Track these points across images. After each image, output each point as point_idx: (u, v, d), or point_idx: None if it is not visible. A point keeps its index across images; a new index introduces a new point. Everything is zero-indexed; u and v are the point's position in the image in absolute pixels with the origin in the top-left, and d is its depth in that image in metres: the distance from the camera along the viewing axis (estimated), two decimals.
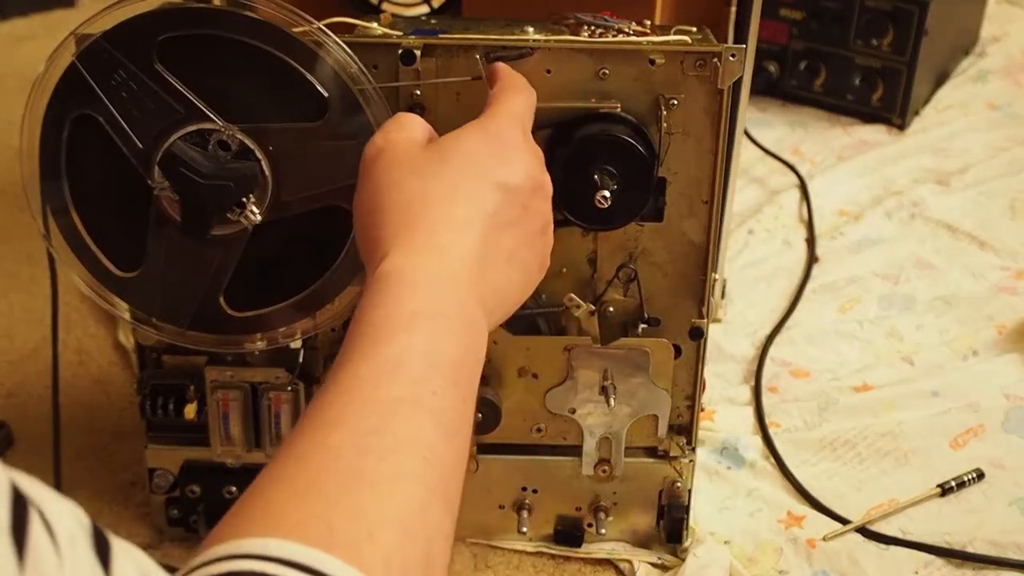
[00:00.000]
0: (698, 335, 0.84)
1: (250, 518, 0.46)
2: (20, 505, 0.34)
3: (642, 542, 0.92)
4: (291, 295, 0.76)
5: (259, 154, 0.71)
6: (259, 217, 0.72)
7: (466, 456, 0.54)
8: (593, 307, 0.83)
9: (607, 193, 0.74)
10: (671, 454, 0.89)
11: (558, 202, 0.77)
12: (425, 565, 0.47)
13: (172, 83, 0.70)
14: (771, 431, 1.03)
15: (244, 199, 0.72)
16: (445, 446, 0.51)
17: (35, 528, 0.34)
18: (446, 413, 0.52)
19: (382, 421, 0.50)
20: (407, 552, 0.46)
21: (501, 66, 0.71)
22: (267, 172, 0.72)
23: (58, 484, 0.90)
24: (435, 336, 0.54)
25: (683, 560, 0.90)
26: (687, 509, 0.90)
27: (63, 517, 0.36)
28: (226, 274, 0.75)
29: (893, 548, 0.92)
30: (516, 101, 0.67)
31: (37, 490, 0.35)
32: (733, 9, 0.95)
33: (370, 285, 0.57)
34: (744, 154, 1.37)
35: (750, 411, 1.07)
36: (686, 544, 0.91)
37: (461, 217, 0.60)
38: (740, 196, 1.36)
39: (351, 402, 0.50)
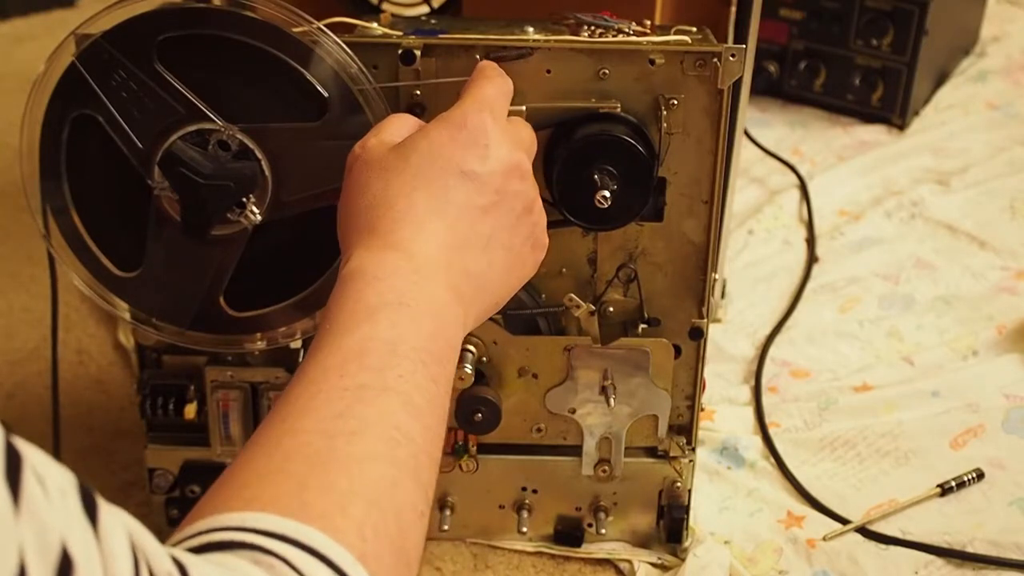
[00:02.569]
0: (698, 335, 0.84)
1: (227, 496, 0.47)
2: (14, 455, 0.35)
3: (642, 542, 0.92)
4: (291, 295, 0.76)
5: (259, 154, 0.71)
6: (259, 217, 0.72)
7: (442, 433, 0.55)
8: (593, 307, 0.83)
9: (607, 193, 0.74)
10: (671, 454, 0.89)
11: (558, 202, 0.77)
12: (398, 537, 0.48)
13: (172, 83, 0.70)
14: (771, 431, 1.03)
15: (244, 199, 0.72)
16: (414, 424, 0.52)
17: (28, 475, 0.35)
18: (414, 394, 0.53)
19: (347, 406, 0.51)
20: (379, 524, 0.47)
21: (481, 63, 0.71)
22: (267, 172, 0.72)
23: None
24: (398, 324, 0.55)
25: (683, 560, 0.90)
26: (687, 509, 0.90)
27: (52, 471, 0.37)
28: (226, 274, 0.75)
29: (893, 548, 0.92)
30: (484, 87, 0.66)
31: (29, 448, 0.37)
32: (733, 9, 0.95)
33: (335, 287, 0.58)
34: (744, 154, 1.37)
35: (750, 411, 1.07)
36: (686, 544, 0.91)
37: (423, 210, 0.60)
38: (740, 196, 1.36)
39: (318, 392, 0.52)
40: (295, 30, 0.70)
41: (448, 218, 0.60)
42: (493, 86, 0.67)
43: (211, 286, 0.75)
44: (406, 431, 0.52)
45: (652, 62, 0.76)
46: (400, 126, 0.65)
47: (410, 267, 0.58)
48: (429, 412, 0.54)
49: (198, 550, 0.44)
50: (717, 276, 0.92)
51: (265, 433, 0.51)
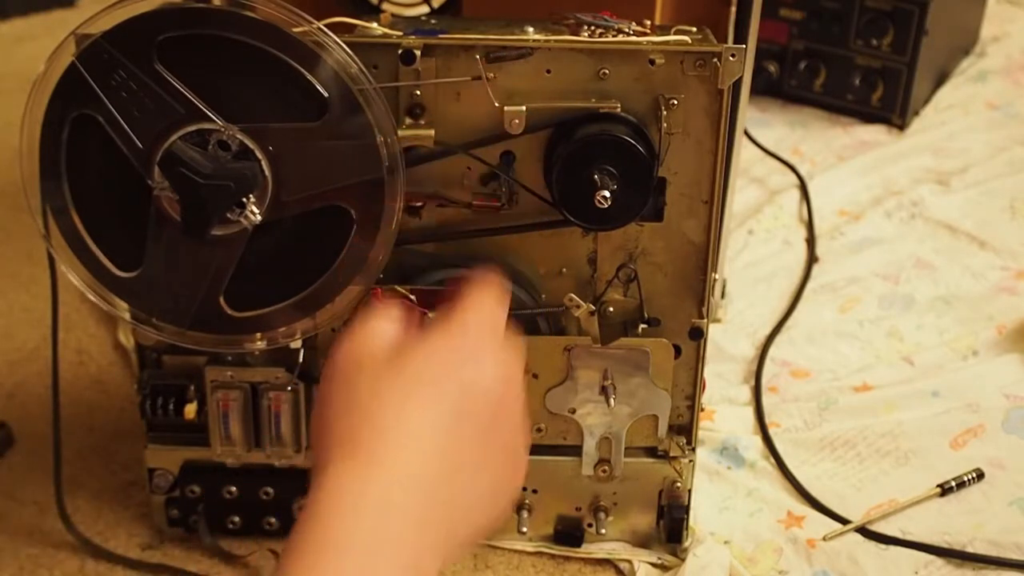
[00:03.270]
0: (698, 335, 0.84)
1: None
2: None
3: (642, 542, 0.92)
4: (291, 295, 0.76)
5: (259, 154, 0.71)
6: (259, 217, 0.72)
7: None
8: (593, 307, 0.83)
9: (607, 193, 0.74)
10: (671, 454, 0.89)
11: (558, 202, 0.77)
12: None
13: (172, 83, 0.70)
14: (771, 431, 1.03)
15: (244, 199, 0.72)
16: None
17: None
18: None
19: None
20: None
21: (467, 277, 0.65)
22: (267, 172, 0.72)
23: (58, 484, 0.90)
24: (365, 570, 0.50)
25: (683, 560, 0.90)
26: (687, 509, 0.90)
27: None
28: (226, 274, 0.75)
29: (893, 548, 0.92)
30: (484, 297, 0.62)
31: None
32: (733, 9, 0.95)
33: (312, 494, 0.52)
34: (744, 154, 1.37)
35: (750, 411, 1.07)
36: (686, 544, 0.91)
37: (415, 423, 0.54)
38: (740, 196, 1.36)
39: None
40: (295, 30, 0.70)
41: (441, 436, 0.55)
42: (493, 295, 0.63)
43: (211, 286, 0.75)
44: None
45: (652, 62, 0.76)
46: (388, 330, 0.61)
47: (392, 497, 0.52)
48: None
49: None
50: (717, 276, 0.92)
51: None
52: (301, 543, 0.50)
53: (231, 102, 0.71)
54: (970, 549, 0.91)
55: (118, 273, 0.76)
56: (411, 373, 0.56)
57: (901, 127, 1.54)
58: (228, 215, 0.72)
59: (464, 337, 0.59)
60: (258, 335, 0.78)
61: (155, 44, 0.69)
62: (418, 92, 0.76)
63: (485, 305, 0.62)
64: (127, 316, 0.78)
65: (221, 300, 0.75)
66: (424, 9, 1.01)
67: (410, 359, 0.57)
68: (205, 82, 0.70)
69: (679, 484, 0.90)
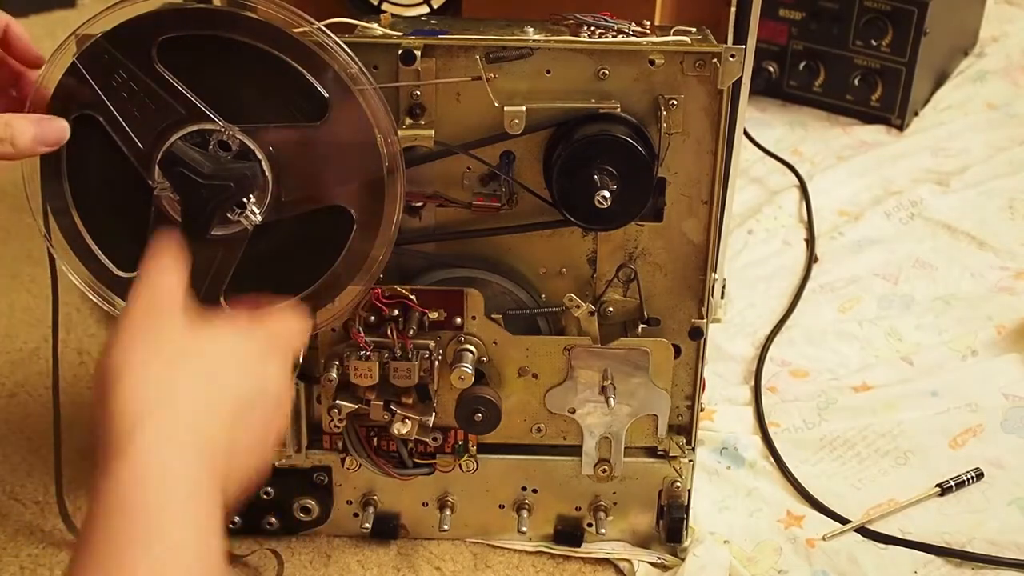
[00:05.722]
0: (698, 335, 0.84)
1: None
2: None
3: (642, 542, 0.92)
4: (291, 295, 0.76)
5: (259, 154, 0.72)
6: (259, 217, 0.72)
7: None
8: (593, 307, 0.83)
9: (607, 193, 0.74)
10: (671, 454, 0.89)
11: (558, 202, 0.77)
12: None
13: (173, 83, 0.70)
14: (771, 431, 1.03)
15: (244, 199, 0.72)
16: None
17: None
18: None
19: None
20: None
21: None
22: (267, 172, 0.72)
23: (59, 484, 0.91)
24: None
25: (683, 560, 0.90)
26: (687, 509, 0.90)
27: None
28: (226, 274, 0.75)
29: (892, 548, 0.92)
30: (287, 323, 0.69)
31: None
32: (733, 9, 0.95)
33: (118, 464, 0.54)
34: (744, 154, 1.37)
35: (750, 411, 1.07)
36: (686, 544, 0.91)
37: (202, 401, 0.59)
38: (740, 196, 1.36)
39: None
40: (295, 31, 0.70)
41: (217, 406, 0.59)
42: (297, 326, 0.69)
43: (211, 286, 0.75)
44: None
45: (652, 62, 0.76)
46: (177, 286, 0.63)
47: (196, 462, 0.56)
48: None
49: None
50: (717, 276, 0.92)
51: None
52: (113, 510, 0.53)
53: (232, 103, 0.71)
54: (969, 548, 0.91)
55: (118, 273, 0.76)
56: (214, 360, 0.61)
57: (900, 127, 1.55)
58: (228, 215, 0.72)
59: (276, 343, 0.65)
60: None
61: (156, 45, 0.70)
62: (418, 92, 0.76)
63: (297, 335, 0.69)
64: None
65: (222, 300, 0.75)
66: (424, 9, 1.01)
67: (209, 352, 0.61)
68: (206, 83, 0.71)
69: (679, 484, 0.90)
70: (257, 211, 0.72)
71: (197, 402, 0.58)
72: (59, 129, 0.70)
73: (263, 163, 0.72)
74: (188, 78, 0.71)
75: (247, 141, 0.71)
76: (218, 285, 0.75)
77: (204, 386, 0.59)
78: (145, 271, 0.63)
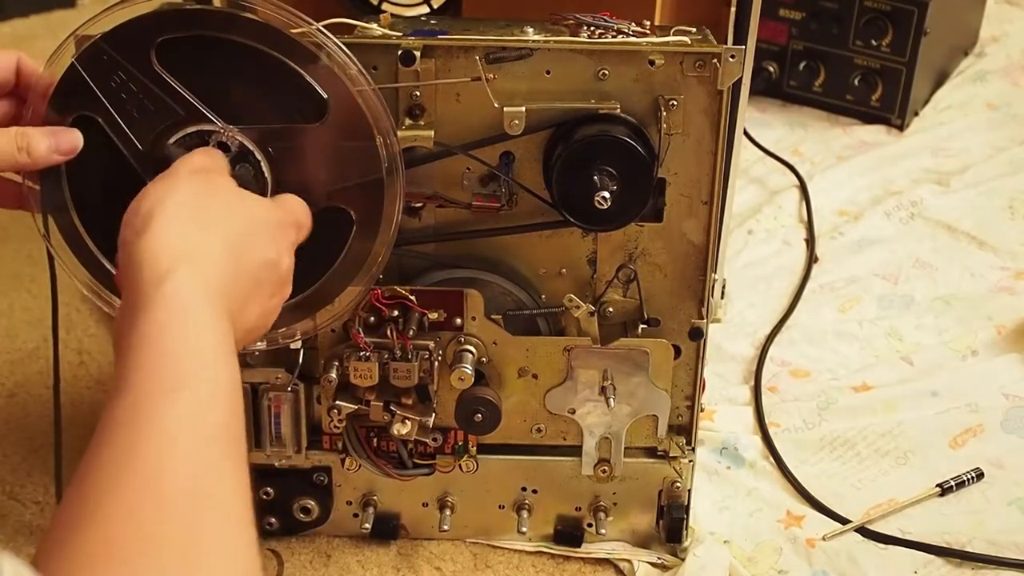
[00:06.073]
0: (698, 335, 0.84)
1: None
2: None
3: (642, 542, 0.92)
4: (291, 296, 0.76)
5: (259, 155, 0.72)
6: None
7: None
8: (593, 307, 0.83)
9: (607, 194, 0.74)
10: (671, 454, 0.89)
11: (558, 202, 0.77)
12: None
13: (171, 84, 0.70)
14: (771, 431, 1.03)
15: None
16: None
17: None
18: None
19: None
20: None
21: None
22: (267, 173, 0.72)
23: (59, 484, 0.90)
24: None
25: (683, 560, 0.90)
26: (687, 509, 0.90)
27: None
28: None
29: (892, 548, 0.92)
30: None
31: None
32: (733, 9, 0.95)
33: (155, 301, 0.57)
34: (744, 154, 1.37)
35: (750, 411, 1.07)
36: (686, 544, 0.91)
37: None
38: (740, 196, 1.36)
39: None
40: (294, 31, 0.70)
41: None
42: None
43: None
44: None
45: (652, 63, 0.76)
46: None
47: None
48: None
49: None
50: (717, 276, 0.92)
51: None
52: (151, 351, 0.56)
53: (230, 103, 0.71)
54: (969, 548, 0.91)
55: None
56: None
57: (900, 127, 1.54)
58: None
59: (290, 220, 0.69)
60: None
61: (154, 46, 0.70)
62: (418, 93, 0.76)
63: (307, 219, 0.71)
64: None
65: None
66: (424, 9, 1.01)
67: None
68: (205, 83, 0.71)
69: (679, 484, 0.90)
70: None
71: (225, 262, 0.61)
72: (73, 139, 0.71)
73: (262, 164, 0.72)
74: (187, 79, 0.70)
75: (246, 142, 0.71)
76: None
77: (232, 246, 0.62)
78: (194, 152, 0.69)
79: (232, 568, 0.50)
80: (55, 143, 0.70)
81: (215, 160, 0.70)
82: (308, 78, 0.71)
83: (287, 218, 0.69)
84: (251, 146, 0.71)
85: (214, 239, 0.61)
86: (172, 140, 0.71)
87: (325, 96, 0.71)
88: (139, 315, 0.56)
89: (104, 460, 0.53)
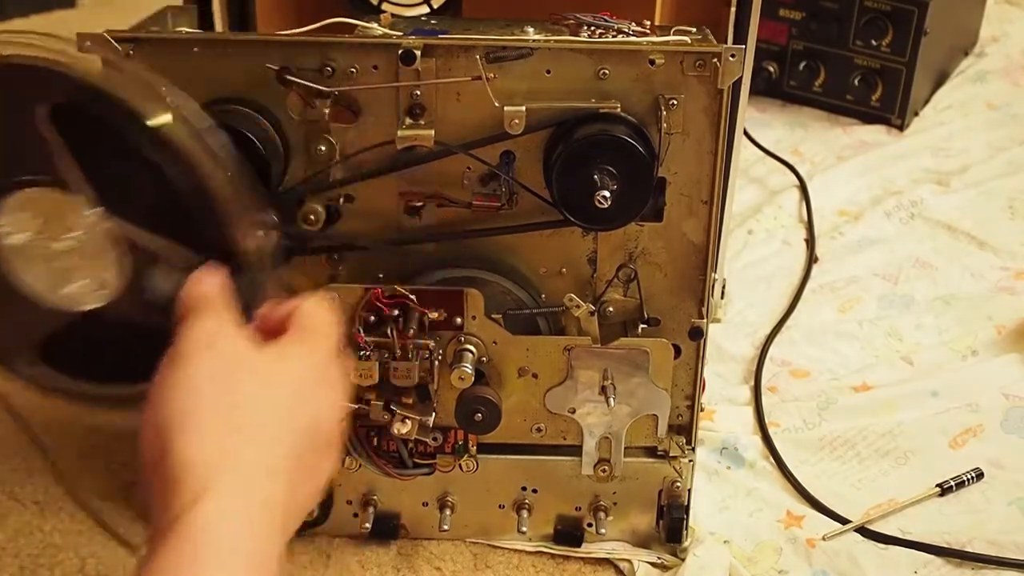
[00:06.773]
0: (698, 335, 0.84)
1: None
2: None
3: (642, 542, 0.92)
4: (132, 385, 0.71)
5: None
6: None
7: None
8: (593, 307, 0.83)
9: (607, 193, 0.74)
10: (671, 454, 0.89)
11: (558, 202, 0.77)
12: None
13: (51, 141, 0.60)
14: (771, 431, 1.03)
15: None
16: None
17: None
18: None
19: None
20: None
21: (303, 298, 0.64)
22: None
23: (59, 483, 0.91)
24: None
25: (683, 560, 0.90)
26: (687, 509, 0.90)
27: None
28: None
29: (892, 548, 0.92)
30: (328, 317, 0.64)
31: None
32: (733, 9, 0.95)
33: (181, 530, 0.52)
34: (744, 154, 1.37)
35: (750, 411, 1.07)
36: (686, 544, 0.91)
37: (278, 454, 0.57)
38: (740, 196, 1.36)
39: None
40: (150, 122, 0.59)
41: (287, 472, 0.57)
42: (334, 316, 0.64)
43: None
44: None
45: (652, 62, 0.76)
46: (232, 329, 0.60)
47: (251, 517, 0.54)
48: None
49: None
50: (717, 276, 0.92)
51: None
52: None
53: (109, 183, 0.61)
54: (969, 549, 0.91)
55: None
56: (277, 398, 0.58)
57: (900, 127, 1.55)
58: None
59: (320, 356, 0.61)
60: None
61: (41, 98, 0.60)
62: (418, 92, 0.76)
63: (333, 326, 0.63)
64: None
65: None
66: (424, 9, 1.01)
67: (280, 380, 0.59)
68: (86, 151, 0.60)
69: (679, 484, 0.90)
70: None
71: (260, 463, 0.56)
72: None
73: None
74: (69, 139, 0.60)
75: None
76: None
77: (268, 442, 0.57)
78: (189, 309, 0.60)
79: None
80: None
81: (215, 316, 0.60)
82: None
83: (318, 370, 0.61)
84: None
85: (247, 443, 0.56)
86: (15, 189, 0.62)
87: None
88: (169, 532, 0.52)
89: None
